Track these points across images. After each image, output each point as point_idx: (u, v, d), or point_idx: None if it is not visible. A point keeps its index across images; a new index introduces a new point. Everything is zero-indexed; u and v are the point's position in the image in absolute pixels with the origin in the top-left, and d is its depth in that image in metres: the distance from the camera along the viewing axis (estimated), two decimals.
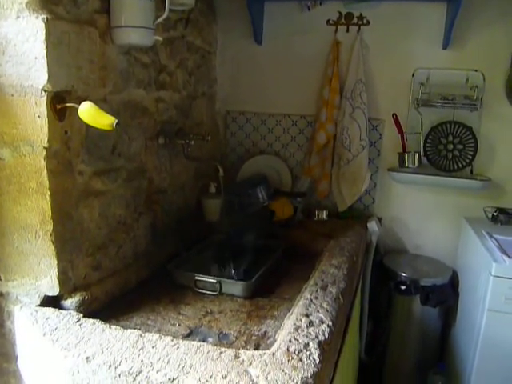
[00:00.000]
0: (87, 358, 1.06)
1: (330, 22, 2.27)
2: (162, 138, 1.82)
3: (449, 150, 2.18)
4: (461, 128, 2.15)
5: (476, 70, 2.09)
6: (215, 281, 1.57)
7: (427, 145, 2.20)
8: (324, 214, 2.29)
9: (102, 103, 1.43)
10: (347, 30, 2.26)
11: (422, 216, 2.33)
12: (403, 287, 2.14)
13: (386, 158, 2.32)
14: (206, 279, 1.58)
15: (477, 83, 2.08)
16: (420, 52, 2.18)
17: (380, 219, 2.35)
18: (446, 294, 2.14)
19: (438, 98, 2.14)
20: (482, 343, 1.83)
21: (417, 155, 2.17)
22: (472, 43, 2.10)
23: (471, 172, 2.18)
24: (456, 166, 2.17)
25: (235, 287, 1.56)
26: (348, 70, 2.22)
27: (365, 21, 2.22)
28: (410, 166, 2.18)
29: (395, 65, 2.23)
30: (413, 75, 2.19)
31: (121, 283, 1.54)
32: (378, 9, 2.19)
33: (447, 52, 2.13)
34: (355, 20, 2.24)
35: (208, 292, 1.58)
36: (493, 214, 2.14)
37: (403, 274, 2.15)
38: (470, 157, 2.15)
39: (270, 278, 1.69)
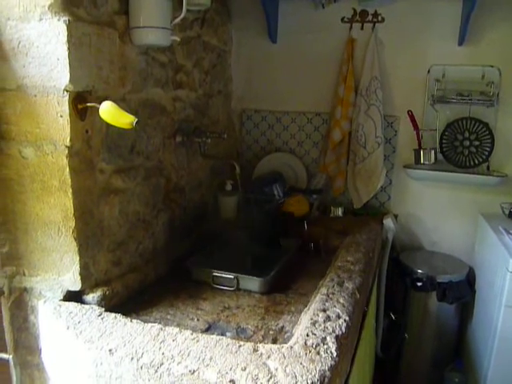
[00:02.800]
0: (110, 350, 1.09)
1: (345, 19, 2.28)
2: (180, 137, 1.85)
3: (465, 147, 2.17)
4: (477, 124, 2.14)
5: (492, 66, 2.08)
6: (232, 277, 1.59)
7: (443, 141, 2.20)
8: (340, 211, 2.30)
9: (121, 102, 1.46)
10: (362, 28, 2.26)
11: (438, 213, 2.33)
12: (419, 284, 2.14)
13: (402, 155, 2.32)
14: (224, 275, 1.60)
15: (493, 79, 2.07)
16: (435, 48, 2.17)
17: (396, 216, 2.35)
18: (463, 291, 2.13)
19: (453, 95, 2.13)
20: (499, 339, 1.83)
21: (432, 152, 2.17)
22: (488, 39, 2.09)
23: (488, 168, 2.17)
24: (472, 163, 2.16)
25: (252, 283, 1.58)
26: (363, 68, 2.22)
27: (379, 18, 2.22)
28: (426, 162, 2.18)
29: (410, 61, 2.22)
30: (428, 72, 2.18)
31: (140, 279, 1.57)
32: (392, 5, 2.19)
33: (463, 48, 2.12)
34: (370, 17, 2.24)
35: (225, 288, 1.60)
36: (510, 210, 2.12)
37: (419, 271, 2.15)
38: (487, 153, 2.14)
39: (287, 274, 1.71)
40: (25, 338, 1.45)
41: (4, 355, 1.42)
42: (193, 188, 2.02)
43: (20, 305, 1.42)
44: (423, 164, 2.19)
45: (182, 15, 1.51)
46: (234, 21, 2.43)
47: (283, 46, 2.41)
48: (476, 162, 2.16)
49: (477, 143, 2.15)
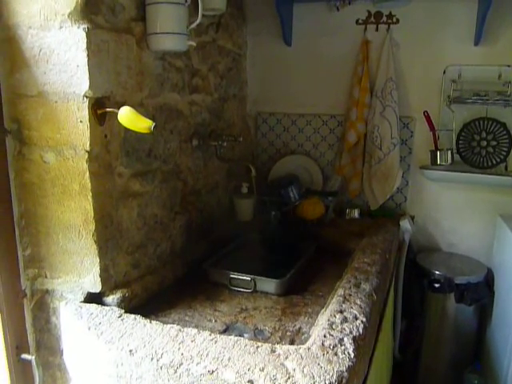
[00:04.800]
0: (130, 350, 1.11)
1: (360, 21, 2.28)
2: (196, 140, 1.87)
3: (482, 147, 2.15)
4: (494, 124, 2.12)
5: (509, 66, 2.06)
6: (249, 278, 1.60)
7: (460, 142, 2.18)
8: (356, 213, 2.30)
9: (139, 107, 1.49)
10: (376, 29, 2.25)
11: (456, 214, 2.31)
12: (437, 285, 2.13)
13: (418, 156, 2.30)
14: (241, 277, 1.61)
15: (510, 79, 2.05)
16: (451, 49, 2.16)
17: (412, 217, 2.33)
18: (481, 292, 2.11)
19: (470, 95, 2.12)
20: None
21: (449, 152, 2.15)
22: (504, 39, 2.06)
23: (506, 168, 2.14)
24: (490, 163, 2.14)
25: (269, 285, 1.59)
26: (378, 69, 2.22)
27: (394, 19, 2.21)
28: (443, 163, 2.16)
29: (426, 62, 2.21)
30: (444, 72, 2.17)
31: (158, 281, 1.59)
32: (407, 6, 2.18)
33: (479, 48, 2.10)
34: (384, 18, 2.23)
35: (242, 289, 1.61)
36: None
37: (437, 272, 2.14)
38: (505, 153, 2.11)
39: (304, 276, 1.71)
40: (47, 339, 1.48)
41: (27, 356, 1.45)
42: (209, 191, 2.04)
43: (42, 306, 1.46)
44: (440, 165, 2.17)
45: (198, 20, 1.53)
46: (248, 25, 2.45)
47: (298, 48, 2.42)
48: (494, 162, 2.14)
49: (494, 143, 2.13)
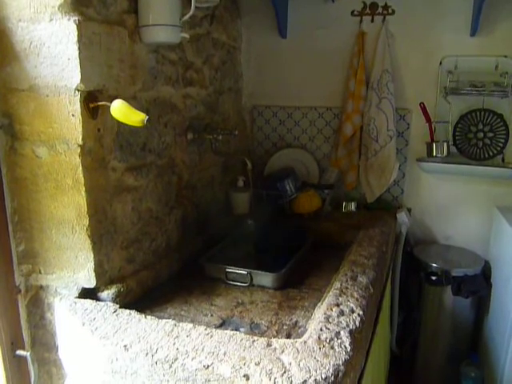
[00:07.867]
0: (125, 346, 1.11)
1: (355, 12, 2.26)
2: (191, 134, 1.85)
3: (479, 139, 2.14)
4: (491, 115, 2.11)
5: (506, 56, 2.04)
6: (246, 272, 1.59)
7: (456, 133, 2.17)
8: (352, 206, 2.29)
9: (132, 101, 1.47)
10: (372, 21, 2.24)
11: (453, 206, 2.30)
12: (434, 278, 2.12)
13: (414, 148, 2.29)
14: (237, 271, 1.61)
15: (507, 69, 2.04)
16: (447, 40, 2.14)
17: (409, 210, 2.33)
18: (479, 285, 2.11)
19: (466, 86, 2.10)
20: None
21: (445, 144, 2.14)
22: (501, 29, 2.05)
23: (503, 160, 2.13)
24: (487, 155, 2.13)
25: (265, 278, 1.58)
26: (374, 61, 2.20)
27: (390, 10, 2.20)
28: (439, 155, 2.15)
29: (422, 53, 2.20)
30: (440, 63, 2.16)
31: (154, 276, 1.58)
32: None
33: (475, 39, 2.09)
34: (380, 10, 2.21)
35: (239, 283, 1.60)
36: None
37: (434, 265, 2.13)
38: (502, 144, 2.10)
39: (300, 270, 1.70)
40: (42, 335, 1.47)
41: (22, 352, 1.44)
42: (205, 185, 2.03)
43: (36, 302, 1.45)
44: (436, 157, 2.17)
45: (191, 12, 1.51)
46: (243, 17, 2.43)
47: (293, 41, 2.40)
48: (490, 154, 2.13)
49: (491, 135, 2.12)
